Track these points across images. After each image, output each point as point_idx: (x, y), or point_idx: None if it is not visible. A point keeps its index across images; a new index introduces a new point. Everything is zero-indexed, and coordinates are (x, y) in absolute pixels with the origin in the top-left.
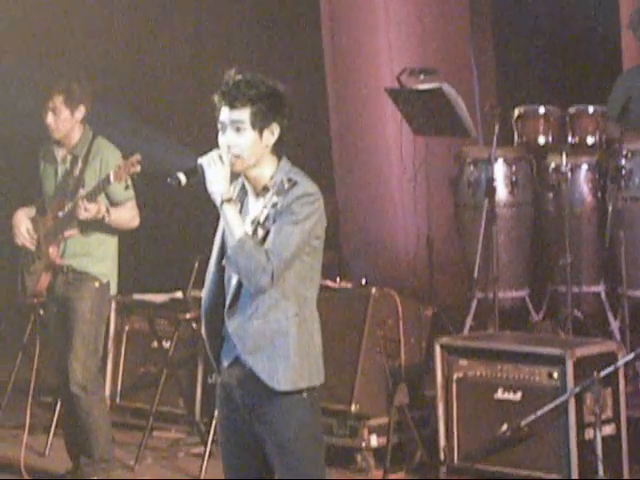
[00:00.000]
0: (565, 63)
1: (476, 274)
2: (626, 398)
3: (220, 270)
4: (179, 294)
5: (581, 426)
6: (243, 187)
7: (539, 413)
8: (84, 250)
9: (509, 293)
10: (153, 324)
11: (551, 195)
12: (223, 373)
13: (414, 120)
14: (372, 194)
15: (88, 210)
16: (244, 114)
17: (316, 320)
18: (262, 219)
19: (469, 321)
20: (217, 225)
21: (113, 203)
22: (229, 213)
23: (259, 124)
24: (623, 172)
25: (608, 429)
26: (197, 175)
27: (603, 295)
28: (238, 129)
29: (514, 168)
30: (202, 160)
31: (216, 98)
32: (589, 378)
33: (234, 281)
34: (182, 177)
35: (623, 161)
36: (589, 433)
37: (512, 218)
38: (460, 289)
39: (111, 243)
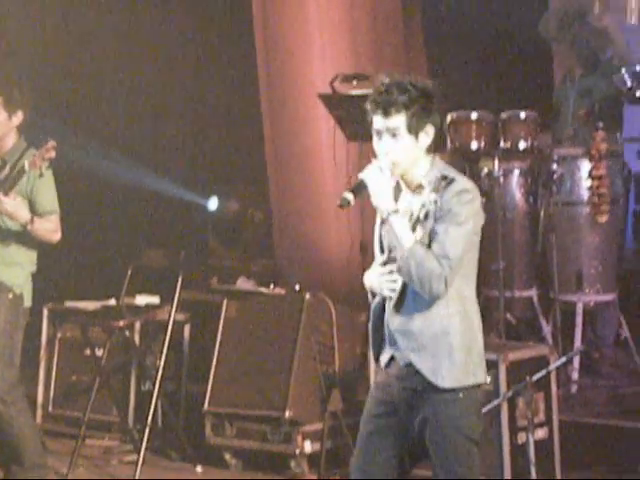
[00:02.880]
0: (497, 69)
1: None
2: (558, 402)
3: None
4: (112, 301)
5: (514, 430)
6: (397, 184)
7: None
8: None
9: None
10: (86, 332)
11: (483, 200)
12: (380, 373)
13: (348, 125)
14: (305, 200)
15: (1, 202)
16: (399, 120)
17: (477, 317)
18: (422, 217)
19: None
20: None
21: (37, 214)
22: (396, 225)
23: (415, 128)
24: (554, 177)
25: (540, 433)
26: (363, 191)
27: (535, 299)
28: (394, 135)
29: None
30: (364, 175)
31: (369, 106)
32: (521, 382)
33: (400, 281)
34: (350, 196)
35: (554, 166)
36: (522, 437)
37: None
38: None
39: (29, 254)
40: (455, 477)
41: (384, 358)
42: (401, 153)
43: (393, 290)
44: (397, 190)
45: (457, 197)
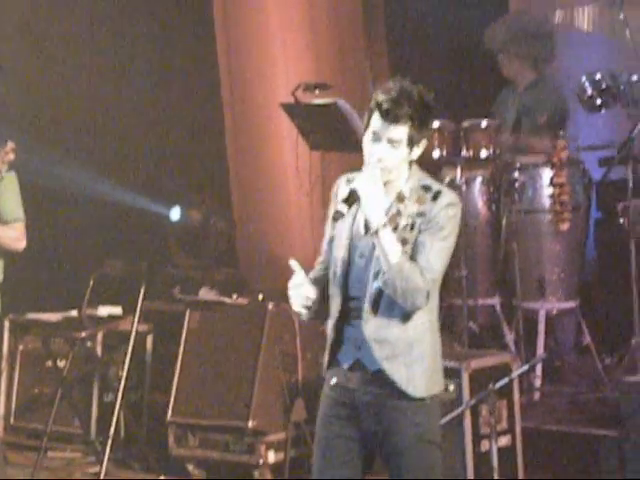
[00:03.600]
0: (459, 78)
1: None
2: (521, 409)
3: (347, 273)
4: (74, 312)
5: (477, 438)
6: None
7: None
8: None
9: None
10: (47, 343)
11: None
12: (338, 375)
13: (310, 135)
14: (269, 209)
15: None
16: (402, 132)
17: (438, 327)
18: (408, 228)
19: None
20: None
21: (1, 221)
22: (385, 238)
23: (413, 142)
24: (516, 185)
25: (503, 440)
26: (356, 200)
27: (498, 307)
28: (393, 145)
29: None
30: (356, 185)
31: (373, 106)
32: (484, 390)
33: (373, 288)
34: (344, 209)
35: (516, 174)
36: (485, 444)
37: None
38: None
39: None
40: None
41: (347, 361)
42: (395, 162)
43: (304, 306)
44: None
45: (445, 210)
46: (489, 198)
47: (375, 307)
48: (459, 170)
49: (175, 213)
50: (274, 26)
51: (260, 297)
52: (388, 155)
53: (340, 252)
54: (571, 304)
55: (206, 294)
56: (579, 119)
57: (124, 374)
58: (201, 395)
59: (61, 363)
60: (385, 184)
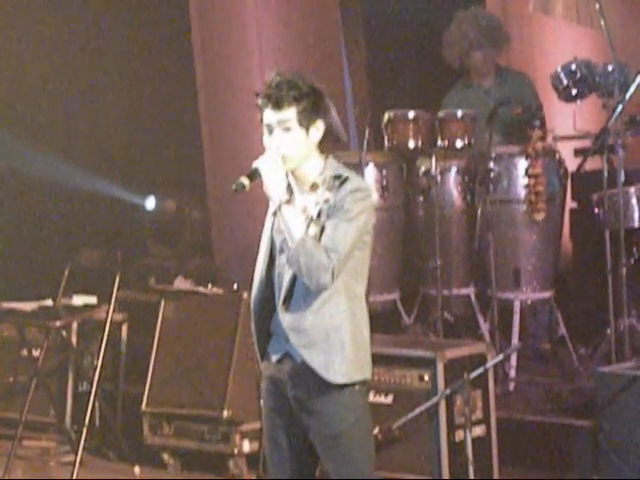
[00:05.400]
0: (434, 68)
1: None
2: (496, 399)
3: (269, 267)
4: (49, 302)
5: (452, 428)
6: (288, 185)
7: (410, 415)
8: None
9: (380, 296)
10: (23, 332)
11: (421, 199)
12: (270, 368)
13: None
14: (243, 199)
15: None
16: (290, 113)
17: (365, 315)
18: (315, 215)
19: None
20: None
21: None
22: (288, 215)
23: (305, 122)
24: (492, 175)
25: (478, 430)
26: (257, 177)
27: (473, 297)
28: (287, 128)
29: (384, 172)
30: (259, 163)
31: (260, 101)
32: (459, 380)
33: (287, 277)
34: (246, 181)
35: (491, 164)
36: (459, 435)
37: (383, 222)
38: None
39: None
40: (355, 471)
41: (276, 354)
42: (292, 146)
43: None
44: (289, 191)
45: (350, 195)
46: (464, 188)
47: (289, 296)
48: (434, 160)
49: (150, 203)
50: (251, 16)
51: (235, 287)
52: (284, 140)
53: (262, 254)
54: (546, 294)
55: (181, 284)
56: (554, 109)
57: (99, 363)
58: (176, 384)
59: (36, 352)
60: (293, 173)
